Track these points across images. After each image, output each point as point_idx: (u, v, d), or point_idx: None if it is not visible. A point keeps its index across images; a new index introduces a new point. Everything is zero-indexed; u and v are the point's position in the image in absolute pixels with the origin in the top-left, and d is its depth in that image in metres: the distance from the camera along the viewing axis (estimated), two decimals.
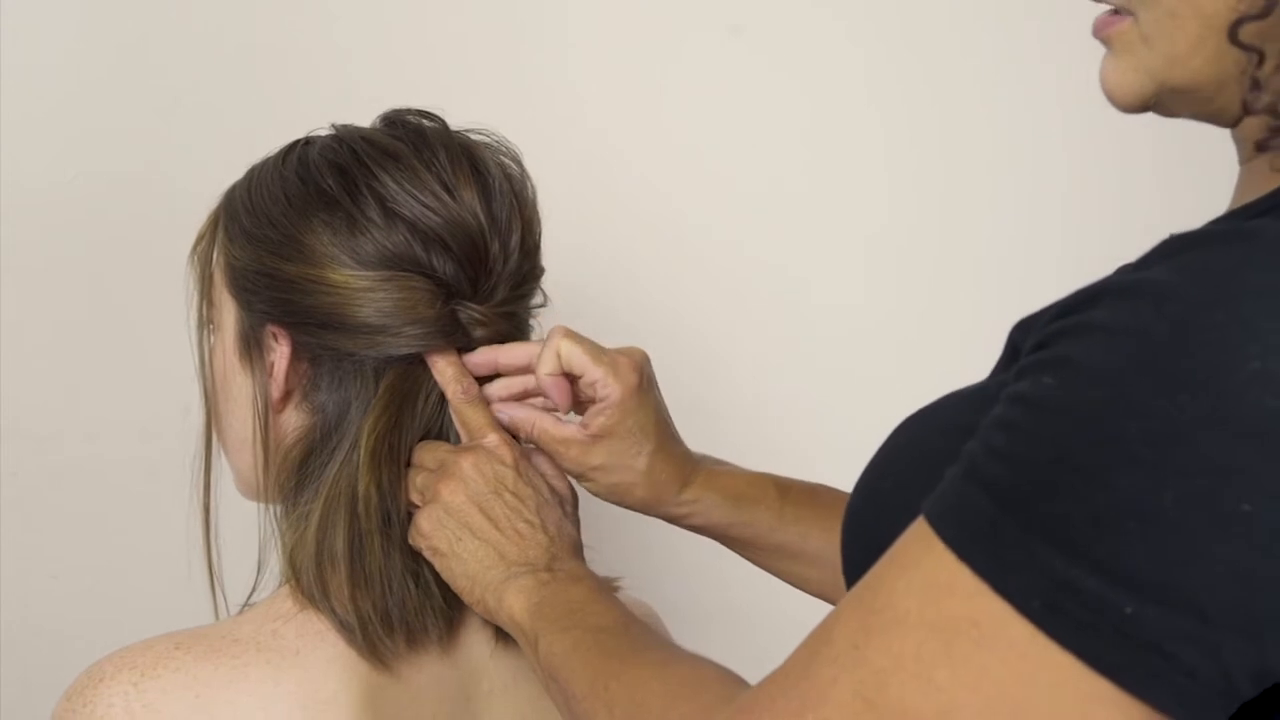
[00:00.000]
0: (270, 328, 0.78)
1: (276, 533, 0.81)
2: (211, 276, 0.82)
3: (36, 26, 1.26)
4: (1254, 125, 0.56)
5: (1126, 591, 0.45)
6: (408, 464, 0.78)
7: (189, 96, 1.28)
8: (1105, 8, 0.59)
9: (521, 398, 0.83)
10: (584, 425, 0.82)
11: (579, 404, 0.84)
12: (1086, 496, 0.46)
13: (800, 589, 0.88)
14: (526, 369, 0.81)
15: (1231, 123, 0.58)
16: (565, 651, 0.68)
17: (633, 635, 0.69)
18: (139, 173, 1.28)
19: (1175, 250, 0.49)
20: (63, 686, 0.72)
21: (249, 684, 0.71)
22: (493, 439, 0.78)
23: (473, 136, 0.81)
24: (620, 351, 0.82)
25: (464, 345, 0.80)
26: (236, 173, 0.83)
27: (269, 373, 0.79)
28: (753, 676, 0.57)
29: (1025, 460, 0.48)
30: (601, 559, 0.86)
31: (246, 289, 0.79)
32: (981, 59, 1.34)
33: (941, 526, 0.49)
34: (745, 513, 0.86)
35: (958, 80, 1.35)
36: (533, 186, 0.82)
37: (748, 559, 0.89)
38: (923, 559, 0.49)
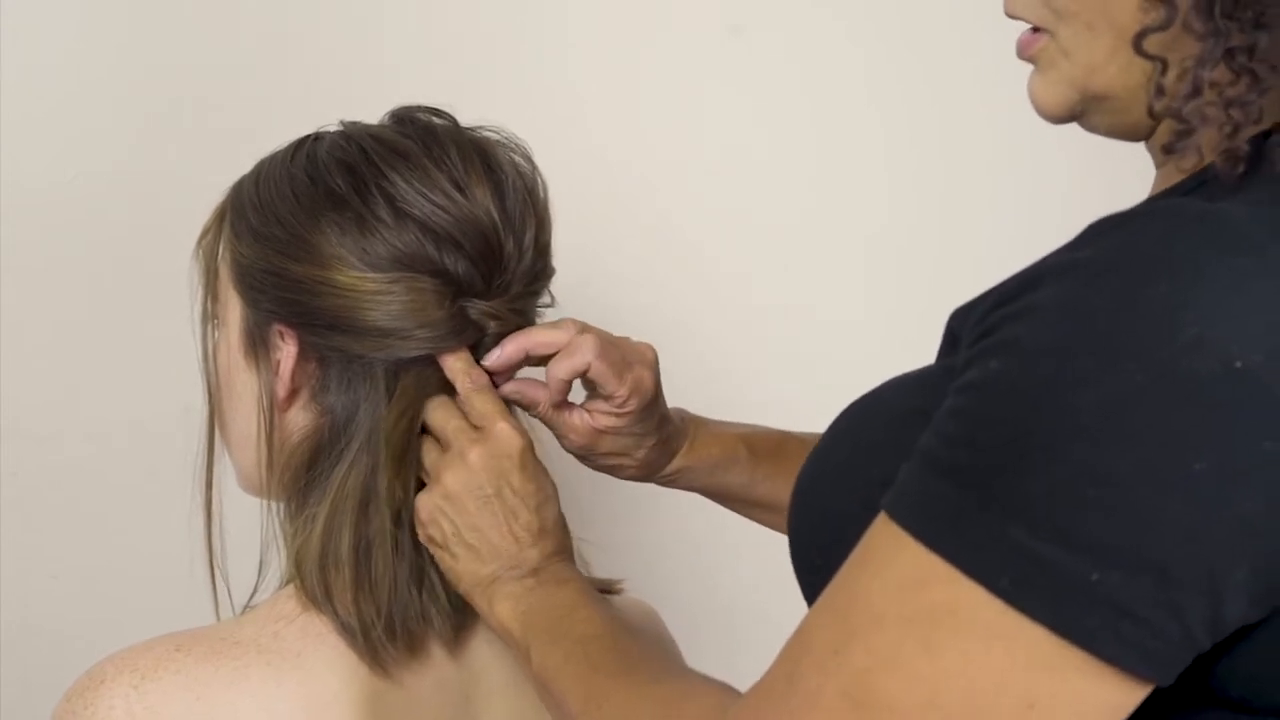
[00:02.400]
0: (277, 326, 0.78)
1: (279, 532, 0.81)
2: (217, 271, 0.81)
3: (36, 26, 1.26)
4: (1162, 131, 0.58)
5: (1090, 559, 0.46)
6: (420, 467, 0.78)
7: (189, 96, 1.28)
8: (1027, 28, 0.63)
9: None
10: (591, 414, 0.83)
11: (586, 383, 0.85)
12: (1044, 470, 0.47)
13: (777, 531, 0.93)
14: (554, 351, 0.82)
15: (1146, 135, 0.61)
16: (557, 665, 0.70)
17: (622, 648, 0.70)
18: (139, 173, 1.28)
19: (1105, 230, 0.51)
20: (63, 686, 0.72)
21: (250, 685, 0.71)
22: (503, 427, 0.77)
23: (484, 134, 0.81)
24: (639, 360, 0.83)
25: (475, 343, 0.79)
26: (237, 173, 0.82)
27: (274, 371, 0.78)
28: (742, 675, 0.57)
29: (982, 442, 0.49)
30: (597, 558, 0.86)
31: (253, 287, 0.78)
32: (981, 59, 1.34)
33: (907, 519, 0.50)
34: (720, 477, 0.91)
35: (958, 80, 1.35)
36: (544, 184, 0.81)
37: (729, 509, 0.95)
38: (894, 557, 0.50)
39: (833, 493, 0.62)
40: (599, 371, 0.80)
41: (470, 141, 0.79)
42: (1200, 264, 0.48)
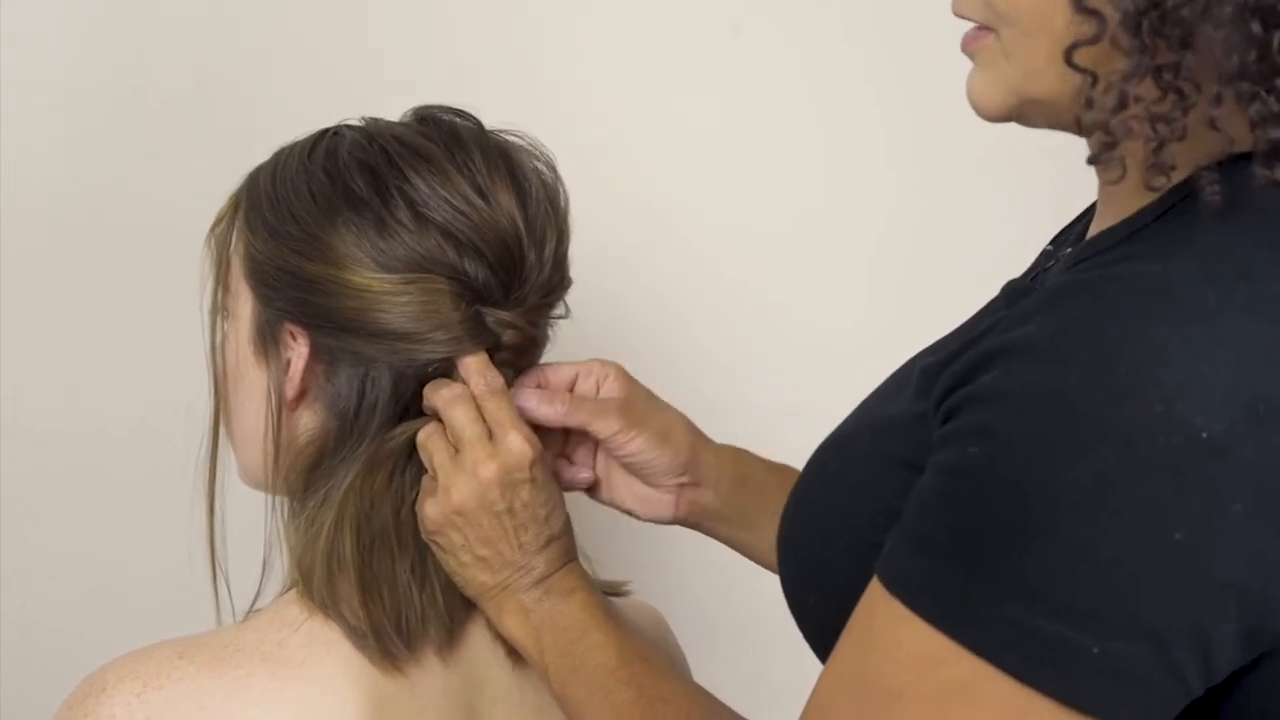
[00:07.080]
0: (288, 326, 0.76)
1: (282, 533, 0.80)
2: (229, 262, 0.80)
3: (36, 26, 1.26)
4: (1090, 142, 0.59)
5: (1090, 631, 0.50)
6: (421, 470, 0.77)
7: (190, 96, 1.28)
8: (971, 25, 0.63)
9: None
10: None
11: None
12: (1038, 552, 0.51)
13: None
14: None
15: (1087, 134, 0.62)
16: (579, 701, 0.74)
17: (638, 685, 0.73)
18: (139, 173, 1.28)
19: (1059, 301, 0.54)
20: (62, 686, 0.72)
21: (253, 694, 0.70)
22: (515, 439, 0.75)
23: (508, 138, 0.79)
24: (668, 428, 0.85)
25: (490, 349, 0.77)
26: (237, 173, 0.82)
27: (284, 370, 0.77)
28: (753, 683, 0.58)
29: (973, 528, 0.52)
30: (604, 559, 0.86)
31: (266, 283, 0.77)
32: None
33: (910, 599, 0.53)
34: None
35: (961, 80, 1.35)
36: (565, 194, 0.80)
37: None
38: (902, 635, 0.53)
39: (818, 540, 0.66)
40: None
41: (495, 146, 0.77)
42: (1158, 343, 0.50)
